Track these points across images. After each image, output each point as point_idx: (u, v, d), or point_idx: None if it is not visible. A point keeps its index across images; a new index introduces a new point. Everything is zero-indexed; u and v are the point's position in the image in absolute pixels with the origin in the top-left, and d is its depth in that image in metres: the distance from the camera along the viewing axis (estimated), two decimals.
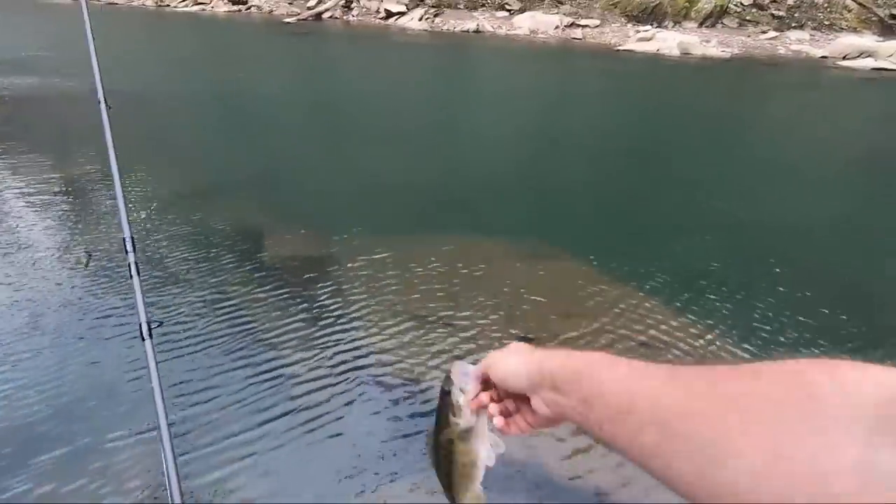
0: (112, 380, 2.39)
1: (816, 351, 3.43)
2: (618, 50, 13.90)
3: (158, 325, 1.41)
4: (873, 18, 15.15)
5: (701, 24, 15.39)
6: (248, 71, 10.12)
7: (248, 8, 17.13)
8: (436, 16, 15.97)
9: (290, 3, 17.00)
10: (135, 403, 2.21)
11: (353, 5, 16.65)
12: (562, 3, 16.26)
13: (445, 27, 15.51)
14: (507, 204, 5.41)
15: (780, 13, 15.65)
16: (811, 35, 15.00)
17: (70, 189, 4.89)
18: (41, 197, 4.67)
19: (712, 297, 4.13)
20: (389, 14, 16.02)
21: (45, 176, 5.04)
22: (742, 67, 13.12)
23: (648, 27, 14.97)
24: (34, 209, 4.44)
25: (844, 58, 13.57)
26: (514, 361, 0.61)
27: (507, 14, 16.11)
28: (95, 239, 3.90)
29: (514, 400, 0.64)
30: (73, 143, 5.68)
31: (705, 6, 15.40)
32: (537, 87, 10.48)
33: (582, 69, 12.52)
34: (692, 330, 3.68)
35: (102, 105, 1.80)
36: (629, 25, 15.34)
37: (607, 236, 4.90)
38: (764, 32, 15.19)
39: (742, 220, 5.38)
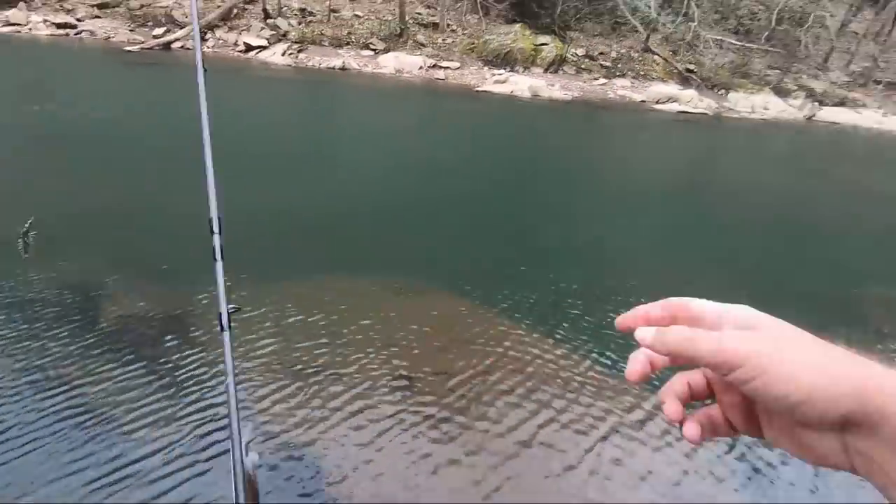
0: None
1: None
2: (477, 90, 15.02)
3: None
4: (675, 71, 18.47)
5: (546, 70, 17.33)
6: (79, 103, 8.90)
7: (79, 33, 15.19)
8: (300, 51, 15.78)
9: (131, 31, 15.48)
10: None
11: (207, 36, 15.74)
12: (424, 46, 17.17)
13: (310, 63, 15.38)
14: (375, 241, 5.38)
15: (608, 64, 18.32)
16: (632, 83, 17.75)
17: None
18: None
19: (579, 320, 4.48)
20: (249, 47, 15.44)
21: None
22: (581, 108, 15.00)
23: (502, 71, 16.45)
24: None
25: (657, 102, 16.27)
26: (818, 372, 0.30)
27: (372, 53, 16.52)
28: None
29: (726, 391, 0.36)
30: None
31: (548, 55, 17.42)
32: (405, 123, 10.81)
33: (446, 107, 13.25)
34: (565, 353, 3.94)
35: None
36: (486, 69, 16.70)
37: (476, 267, 5.11)
38: (596, 79, 17.60)
39: (589, 242, 5.99)
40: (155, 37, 15.18)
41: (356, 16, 17.58)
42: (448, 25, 17.81)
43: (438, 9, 17.78)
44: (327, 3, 17.16)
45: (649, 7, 17.86)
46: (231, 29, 16.22)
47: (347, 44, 16.71)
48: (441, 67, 16.31)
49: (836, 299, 5.32)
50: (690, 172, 10.46)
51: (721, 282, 5.35)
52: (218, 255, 1.26)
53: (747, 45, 19.03)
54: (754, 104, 17.50)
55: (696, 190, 9.04)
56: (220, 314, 1.21)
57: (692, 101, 16.66)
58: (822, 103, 18.06)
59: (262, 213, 5.25)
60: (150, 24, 15.73)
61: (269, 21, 16.33)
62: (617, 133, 12.80)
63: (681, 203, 8.08)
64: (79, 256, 4.18)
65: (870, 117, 17.73)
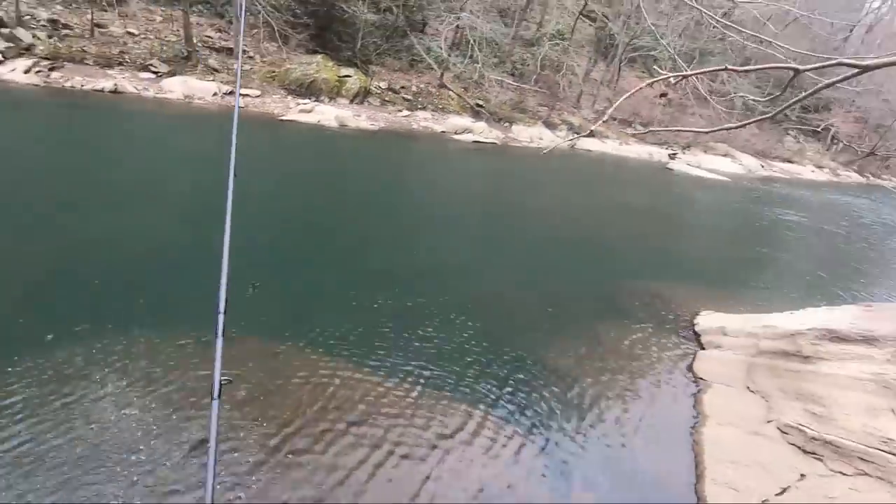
0: None
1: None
2: (282, 119, 14.48)
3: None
4: (467, 105, 20.67)
5: (352, 101, 17.67)
6: None
7: None
8: (52, 69, 13.09)
9: None
10: None
11: None
12: (218, 71, 15.92)
13: (68, 84, 12.88)
14: (169, 287, 4.71)
15: (409, 97, 19.56)
16: (432, 115, 19.26)
17: None
18: None
19: (397, 342, 4.54)
20: None
21: None
22: (388, 137, 15.65)
23: (307, 100, 16.21)
24: None
25: (455, 132, 17.93)
26: None
27: (153, 76, 14.64)
28: None
29: None
30: None
31: (353, 86, 17.80)
32: (204, 152, 9.79)
33: (250, 136, 12.43)
34: (389, 381, 3.93)
35: None
36: (289, 97, 16.25)
37: (286, 303, 4.83)
38: (400, 111, 18.61)
39: (403, 263, 6.19)
40: None
41: (130, 33, 15.43)
42: (244, 51, 16.88)
43: (232, 34, 16.74)
44: (88, 15, 14.71)
45: (441, 48, 19.73)
46: None
47: (120, 64, 14.51)
48: (240, 94, 15.29)
49: (605, 292, 6.49)
50: (487, 193, 11.74)
51: (519, 289, 6.06)
52: (220, 332, 1.44)
53: (522, 85, 22.40)
54: (532, 135, 20.64)
55: (493, 208, 10.17)
56: (214, 383, 1.34)
57: (483, 132, 18.83)
58: (578, 134, 22.18)
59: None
60: None
61: (2, 31, 13.22)
62: (424, 160, 13.69)
63: (482, 220, 8.98)
64: None
65: (612, 146, 22.48)
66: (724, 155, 26.60)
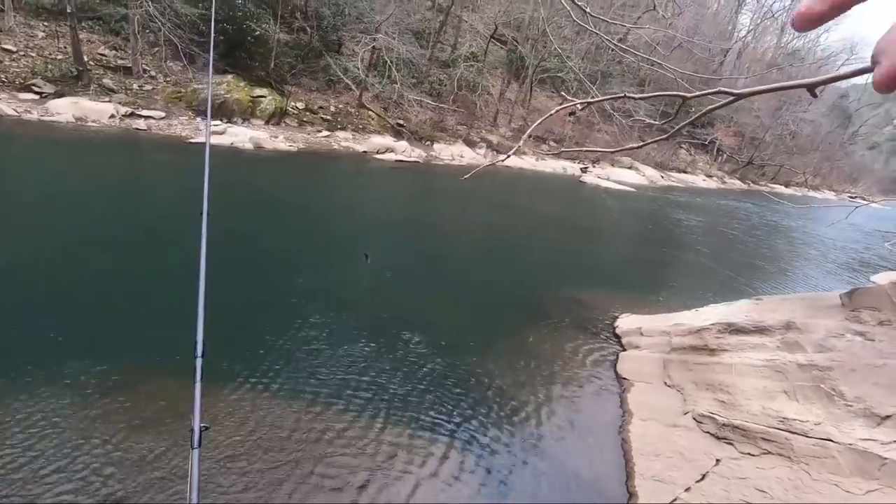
0: None
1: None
2: (191, 142, 13.65)
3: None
4: (388, 125, 20.75)
5: (268, 122, 17.09)
6: None
7: None
8: None
9: None
10: None
11: None
12: (114, 92, 14.74)
13: None
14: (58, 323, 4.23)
15: (328, 117, 19.28)
16: (353, 135, 19.10)
17: None
18: None
19: (324, 368, 4.37)
20: None
21: None
22: (308, 158, 15.28)
23: (218, 122, 15.44)
24: None
25: (377, 152, 17.90)
26: None
27: (36, 97, 13.25)
28: None
29: None
30: None
31: (268, 107, 17.24)
32: (103, 181, 8.95)
33: (156, 160, 11.58)
34: (326, 414, 3.76)
35: None
36: (198, 119, 15.38)
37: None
38: (319, 131, 18.28)
39: (330, 284, 6.02)
40: None
41: (6, 50, 13.87)
42: (145, 71, 15.79)
43: (129, 52, 15.60)
44: None
45: (358, 69, 19.71)
46: None
47: None
48: (142, 116, 14.25)
49: (529, 302, 6.71)
50: (410, 211, 11.79)
51: (445, 304, 6.10)
52: (198, 377, 1.38)
53: (440, 105, 22.92)
54: (453, 152, 21.12)
55: (416, 226, 10.22)
56: (194, 432, 1.27)
57: (405, 150, 18.98)
58: (497, 151, 23.07)
59: None
60: None
61: None
62: (347, 180, 13.49)
63: (406, 238, 8.98)
64: None
65: (529, 162, 23.56)
66: (630, 167, 28.86)
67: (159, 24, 15.18)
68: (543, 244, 10.49)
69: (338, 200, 11.05)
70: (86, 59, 14.63)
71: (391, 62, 20.14)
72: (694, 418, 3.90)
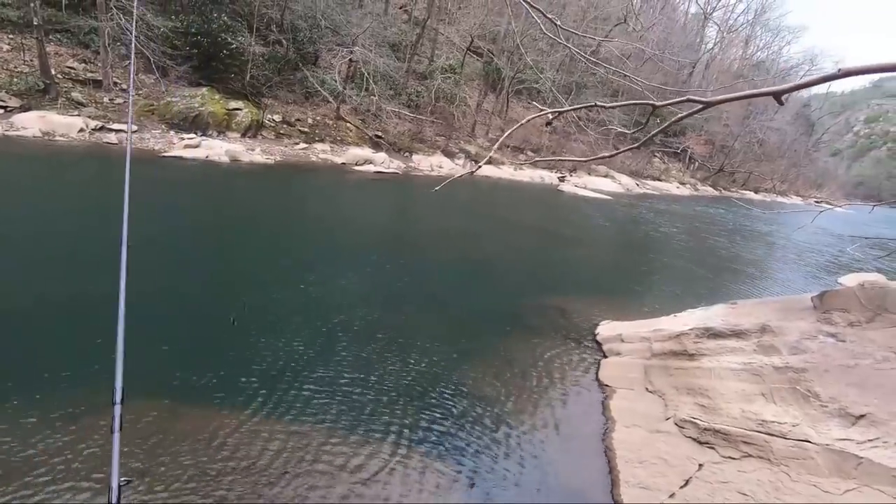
0: None
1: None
2: (164, 156, 13.39)
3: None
4: (366, 137, 20.73)
5: (244, 135, 16.88)
6: None
7: None
8: None
9: None
10: None
11: None
12: (84, 105, 14.38)
13: None
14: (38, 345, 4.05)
15: (306, 130, 19.16)
16: (331, 147, 19.01)
17: None
18: None
19: (305, 388, 4.27)
20: None
21: None
22: (286, 171, 15.13)
23: (192, 135, 15.19)
24: None
25: (356, 164, 17.84)
26: None
27: (1, 111, 12.84)
28: None
29: None
30: None
31: (244, 119, 17.05)
32: (70, 197, 8.68)
33: (130, 175, 11.27)
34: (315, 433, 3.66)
35: None
36: (172, 132, 15.11)
37: (185, 368, 4.36)
38: (297, 144, 18.14)
39: (313, 304, 5.91)
40: None
41: None
42: (115, 84, 15.46)
43: (100, 65, 15.27)
44: None
45: (335, 81, 19.69)
46: None
47: None
48: (112, 130, 13.92)
49: (509, 311, 6.71)
50: (389, 222, 11.74)
51: (424, 314, 6.06)
52: (117, 426, 1.21)
53: (418, 116, 23.03)
54: (432, 163, 21.18)
55: (395, 236, 10.17)
56: (111, 487, 1.10)
57: (384, 162, 18.96)
58: (476, 161, 23.23)
59: None
60: None
61: None
62: (326, 192, 13.38)
63: (385, 249, 8.91)
64: None
65: (507, 171, 23.78)
66: (605, 176, 29.39)
67: (131, 36, 14.90)
68: (523, 253, 10.55)
69: (315, 213, 10.94)
70: (53, 72, 14.27)
71: (368, 74, 20.18)
72: (676, 423, 3.93)
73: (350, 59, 20.22)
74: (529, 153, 27.17)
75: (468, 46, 25.43)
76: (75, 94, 14.46)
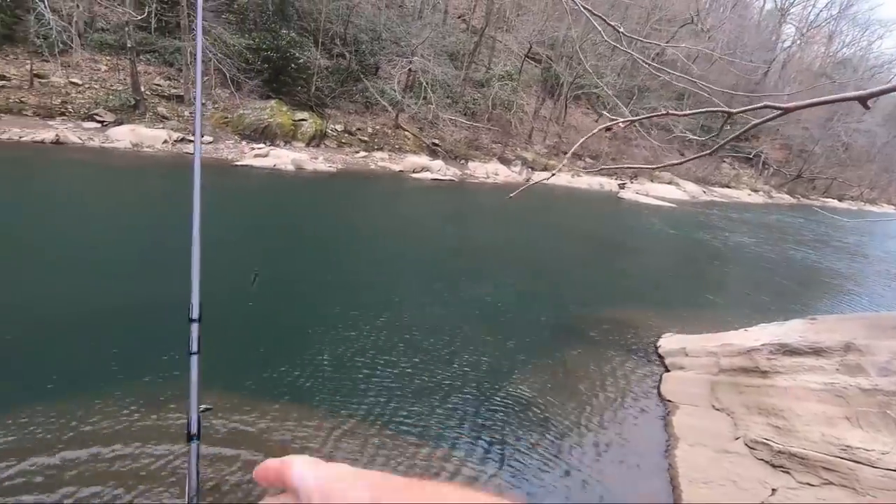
0: None
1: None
2: (236, 165, 14.29)
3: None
4: (423, 145, 21.11)
5: (308, 144, 17.70)
6: None
7: None
8: None
9: None
10: None
11: None
12: (168, 119, 15.66)
13: (5, 136, 12.31)
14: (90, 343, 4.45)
15: (365, 138, 19.81)
16: (389, 155, 19.52)
17: None
18: None
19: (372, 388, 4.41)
20: None
21: None
22: (347, 178, 15.69)
23: (262, 145, 16.12)
24: None
25: (413, 171, 18.19)
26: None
27: (98, 125, 14.23)
28: None
29: None
30: None
31: (308, 129, 17.89)
32: (158, 201, 9.48)
33: (205, 182, 12.15)
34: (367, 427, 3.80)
35: None
36: (244, 143, 16.11)
37: (254, 356, 4.64)
38: (357, 152, 18.77)
39: (374, 308, 6.09)
40: None
41: (73, 83, 15.02)
42: (195, 98, 16.70)
43: (182, 81, 16.59)
44: (27, 66, 14.27)
45: (394, 91, 20.24)
46: None
47: (62, 114, 14.05)
48: (191, 141, 15.02)
49: (567, 321, 6.59)
50: (447, 229, 11.86)
51: (481, 322, 6.07)
52: (195, 346, 1.03)
53: (475, 124, 23.16)
54: (488, 170, 21.20)
55: (453, 244, 10.26)
56: (190, 420, 0.94)
57: (441, 169, 19.21)
58: (532, 168, 23.03)
59: None
60: None
61: None
62: (384, 199, 13.75)
63: (443, 256, 9.02)
64: None
65: (564, 178, 23.35)
66: (669, 182, 28.16)
67: (210, 54, 16.11)
68: (580, 262, 10.32)
69: (375, 219, 11.27)
70: (143, 89, 15.65)
71: (427, 83, 20.58)
72: (746, 444, 3.70)
73: (409, 69, 20.71)
74: (588, 160, 26.55)
75: (526, 53, 25.33)
76: (160, 109, 15.77)
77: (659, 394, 4.99)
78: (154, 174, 12.01)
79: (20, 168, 10.62)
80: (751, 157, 36.39)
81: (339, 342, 4.98)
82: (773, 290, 10.01)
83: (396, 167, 18.41)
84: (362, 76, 20.97)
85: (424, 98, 21.00)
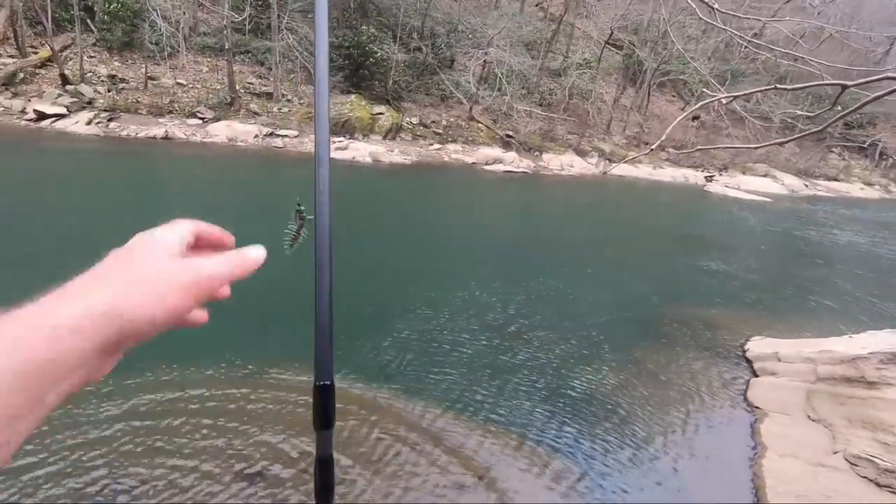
0: None
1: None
2: None
3: None
4: (497, 137, 20.98)
5: (384, 137, 18.25)
6: None
7: None
8: (111, 120, 14.17)
9: None
10: None
11: None
12: (258, 115, 16.83)
13: (124, 132, 13.88)
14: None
15: (440, 131, 20.05)
16: (462, 147, 19.62)
17: None
18: None
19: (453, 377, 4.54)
20: (42, 115, 13.37)
21: None
22: (421, 170, 16.01)
23: (342, 138, 16.85)
24: None
25: (486, 163, 18.16)
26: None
27: (200, 122, 15.61)
28: None
29: None
30: None
31: (385, 123, 18.43)
32: (246, 191, 10.27)
33: (291, 174, 12.98)
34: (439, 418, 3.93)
35: None
36: None
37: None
38: (431, 145, 19.07)
39: (449, 301, 6.22)
40: None
41: (179, 84, 16.58)
42: (283, 95, 17.82)
43: (272, 79, 17.74)
44: (143, 70, 15.94)
45: (469, 83, 20.26)
46: (16, 95, 13.97)
47: (170, 112, 15.57)
48: (278, 136, 16.08)
49: (647, 318, 6.32)
50: (521, 222, 11.75)
51: (559, 317, 5.98)
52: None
53: (550, 114, 22.62)
54: (563, 162, 20.66)
55: (527, 236, 10.16)
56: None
57: (514, 161, 19.01)
58: (610, 160, 22.10)
59: None
60: None
61: (68, 87, 14.47)
62: (458, 191, 13.90)
63: (519, 249, 8.96)
64: None
65: (645, 170, 22.20)
66: (765, 175, 25.84)
67: (297, 53, 17.08)
68: (662, 257, 9.81)
69: (448, 211, 11.41)
70: (237, 87, 16.92)
71: (501, 75, 20.39)
72: (846, 459, 3.37)
73: (484, 61, 20.63)
74: (671, 150, 25.03)
75: (607, 39, 24.27)
76: (252, 106, 16.97)
77: (746, 399, 4.66)
78: (251, 165, 13.00)
79: (148, 161, 11.93)
80: (865, 145, 32.33)
81: (417, 324, 5.13)
82: (884, 295, 8.91)
83: (469, 159, 18.48)
84: (438, 69, 21.19)
85: (499, 89, 20.84)
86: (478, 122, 21.07)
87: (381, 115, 18.36)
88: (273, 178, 12.35)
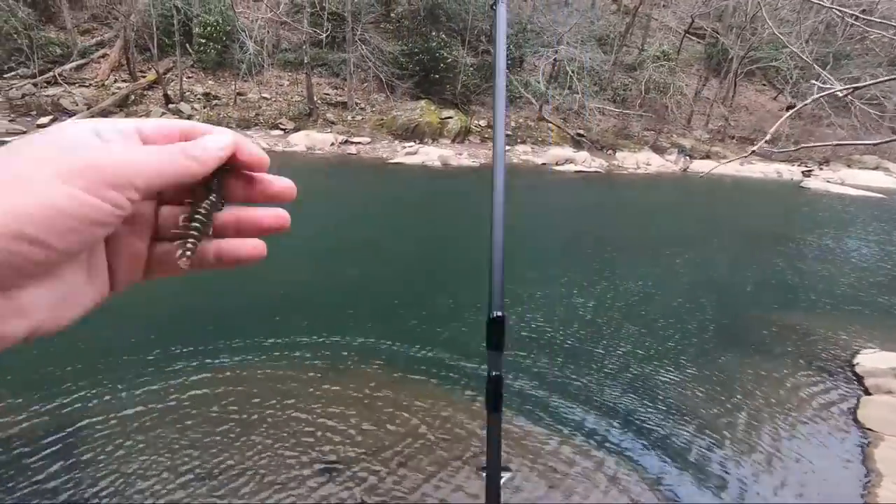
0: None
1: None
2: (390, 162, 15.51)
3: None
4: (567, 136, 20.45)
5: (453, 141, 18.42)
6: None
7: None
8: None
9: (10, 121, 14.41)
10: None
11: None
12: (334, 124, 17.65)
13: None
14: (294, 316, 5.17)
15: (508, 132, 19.89)
16: (531, 148, 19.33)
17: None
18: None
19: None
20: None
21: None
22: (490, 173, 15.93)
23: (412, 143, 17.22)
24: None
25: (556, 164, 17.77)
26: None
27: (281, 132, 16.65)
28: None
29: None
30: None
31: (454, 127, 18.60)
32: (326, 195, 10.80)
33: (365, 179, 13.52)
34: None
35: None
36: (396, 142, 17.40)
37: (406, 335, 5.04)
38: None
39: (527, 306, 6.13)
40: (40, 126, 14.21)
41: (264, 98, 17.80)
42: (356, 104, 18.55)
43: (346, 89, 18.54)
44: (233, 86, 17.28)
45: (539, 83, 19.94)
46: (128, 115, 15.68)
47: (256, 125, 16.74)
48: (353, 143, 16.76)
49: (737, 326, 5.85)
50: (596, 223, 11.35)
51: (640, 325, 5.70)
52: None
53: (624, 111, 21.69)
54: (638, 160, 19.71)
55: (604, 238, 9.78)
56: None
57: (586, 161, 18.41)
58: (691, 157, 20.77)
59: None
60: (33, 113, 14.76)
61: (170, 106, 16.03)
62: (529, 191, 13.69)
63: (595, 251, 8.66)
64: None
65: (731, 167, 20.58)
66: (875, 168, 23.03)
67: (370, 63, 17.73)
68: (752, 261, 9.04)
69: (519, 210, 11.27)
70: (315, 98, 17.85)
71: (572, 72, 19.86)
72: None
73: (554, 59, 20.20)
74: (763, 145, 23.00)
75: (687, 28, 22.87)
76: (328, 115, 17.83)
77: (856, 420, 4.16)
78: (329, 172, 13.67)
79: None
80: None
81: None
82: None
83: (539, 160, 18.17)
84: (506, 70, 21.04)
85: (570, 87, 20.31)
86: (547, 122, 20.66)
87: (449, 119, 18.55)
88: (348, 182, 12.87)
